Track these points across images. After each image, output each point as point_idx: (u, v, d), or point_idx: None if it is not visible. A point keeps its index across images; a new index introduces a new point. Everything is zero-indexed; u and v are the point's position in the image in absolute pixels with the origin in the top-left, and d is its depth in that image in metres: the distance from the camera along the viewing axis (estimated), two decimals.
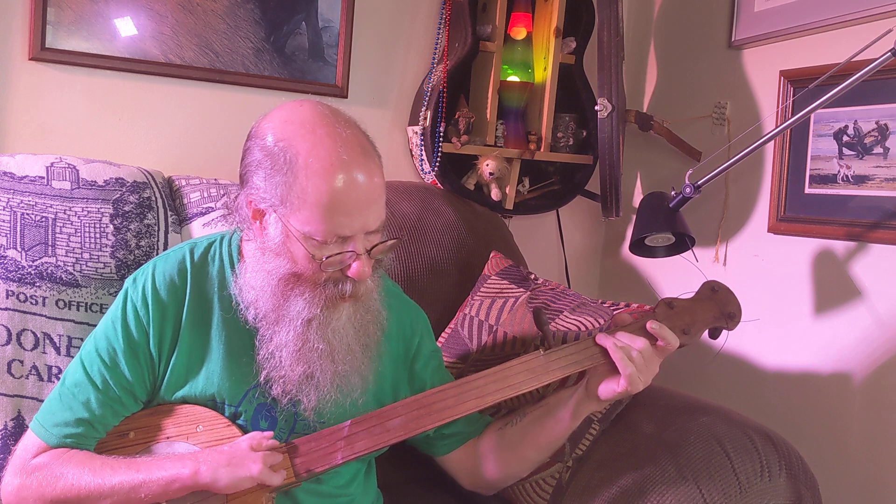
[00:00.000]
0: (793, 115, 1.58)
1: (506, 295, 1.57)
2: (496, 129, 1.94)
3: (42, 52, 1.61)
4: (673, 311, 1.19)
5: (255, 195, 1.04)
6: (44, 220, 1.36)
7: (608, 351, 1.12)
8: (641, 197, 1.88)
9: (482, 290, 1.63)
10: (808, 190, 1.67)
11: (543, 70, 1.95)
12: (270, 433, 1.07)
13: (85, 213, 1.39)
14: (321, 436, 1.09)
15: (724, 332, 1.22)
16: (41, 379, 1.31)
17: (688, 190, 1.59)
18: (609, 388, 1.12)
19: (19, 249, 1.33)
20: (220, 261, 1.15)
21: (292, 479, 1.07)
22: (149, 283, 1.12)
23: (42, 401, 1.27)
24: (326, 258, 1.02)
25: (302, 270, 1.04)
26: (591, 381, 1.16)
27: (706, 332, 1.23)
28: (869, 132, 1.55)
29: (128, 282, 1.14)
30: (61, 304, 1.34)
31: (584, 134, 2.03)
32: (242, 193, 1.07)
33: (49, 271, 1.34)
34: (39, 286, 1.33)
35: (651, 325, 1.14)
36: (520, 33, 1.93)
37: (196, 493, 1.04)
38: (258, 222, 1.06)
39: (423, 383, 1.26)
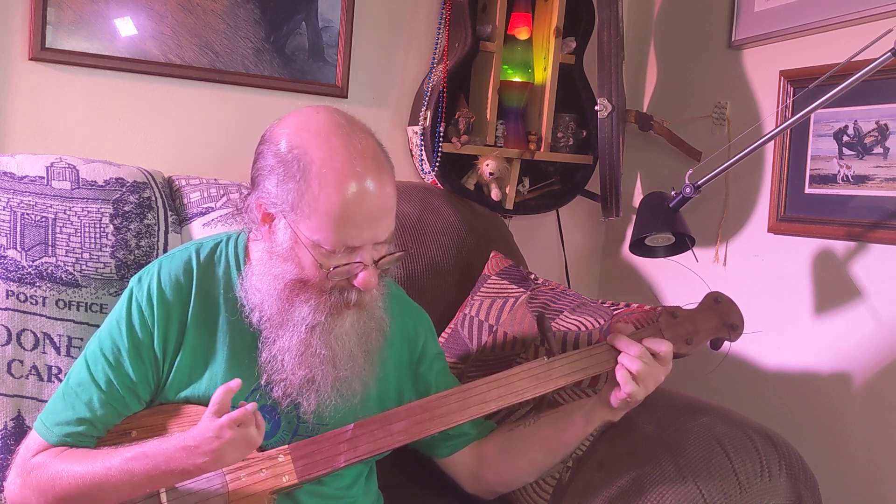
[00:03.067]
0: (793, 115, 1.58)
1: (506, 295, 1.57)
2: (496, 129, 1.94)
3: (42, 52, 1.61)
4: (676, 321, 1.20)
5: (266, 199, 1.04)
6: (44, 220, 1.36)
7: (616, 365, 1.14)
8: (641, 197, 1.88)
9: (482, 290, 1.63)
10: (808, 190, 1.67)
11: (543, 70, 1.95)
12: (253, 405, 1.02)
13: (85, 213, 1.39)
14: (324, 438, 1.09)
15: (727, 342, 1.23)
16: (41, 379, 1.31)
17: (688, 190, 1.59)
18: (615, 396, 1.15)
19: (19, 249, 1.33)
20: (227, 262, 1.15)
21: (294, 481, 1.07)
22: (154, 282, 1.12)
23: (42, 401, 1.27)
24: (334, 268, 1.02)
25: (308, 277, 1.04)
26: (605, 388, 1.18)
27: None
28: (869, 132, 1.55)
29: (133, 281, 1.14)
30: (61, 304, 1.34)
31: (584, 134, 2.03)
32: (252, 196, 1.07)
33: (49, 271, 1.34)
34: (39, 286, 1.33)
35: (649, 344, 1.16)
36: (522, 33, 1.93)
37: (198, 493, 1.04)
38: (267, 226, 1.06)
39: (427, 385, 1.27)
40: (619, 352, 1.15)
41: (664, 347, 1.14)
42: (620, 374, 1.13)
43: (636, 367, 1.12)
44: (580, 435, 1.20)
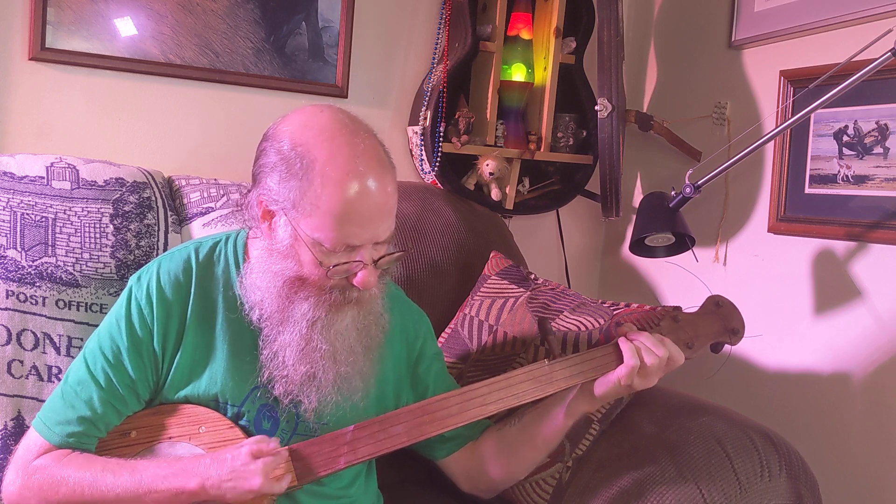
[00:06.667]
0: (793, 115, 1.58)
1: (506, 295, 1.57)
2: (496, 129, 1.94)
3: (42, 52, 1.61)
4: (678, 325, 1.20)
5: (267, 196, 1.04)
6: (44, 220, 1.36)
7: (619, 342, 1.13)
8: (641, 197, 1.88)
9: (482, 290, 1.63)
10: (808, 190, 1.67)
11: (543, 70, 1.95)
12: (276, 440, 1.07)
13: (85, 213, 1.39)
14: (324, 440, 1.09)
15: (727, 346, 1.23)
16: (41, 379, 1.31)
17: (688, 190, 1.59)
18: (604, 381, 1.13)
19: (19, 249, 1.33)
20: (226, 261, 1.16)
21: (294, 483, 1.06)
22: (153, 281, 1.12)
23: (42, 401, 1.26)
24: (333, 266, 1.02)
25: (308, 275, 1.04)
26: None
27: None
28: (869, 132, 1.55)
29: (132, 280, 1.15)
30: (61, 304, 1.34)
31: (584, 134, 2.03)
32: (253, 193, 1.07)
33: (49, 271, 1.34)
34: (39, 286, 1.33)
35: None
36: (523, 34, 1.93)
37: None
38: (267, 223, 1.07)
39: (426, 387, 1.27)
40: (621, 353, 1.14)
41: (681, 360, 1.15)
42: (627, 346, 1.12)
43: (650, 360, 1.11)
44: (562, 428, 1.20)
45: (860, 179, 1.57)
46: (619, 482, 1.25)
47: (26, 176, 1.38)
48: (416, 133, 1.89)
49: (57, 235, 1.36)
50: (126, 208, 1.43)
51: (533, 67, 1.97)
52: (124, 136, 1.72)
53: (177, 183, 1.57)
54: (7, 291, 1.31)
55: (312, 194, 1.00)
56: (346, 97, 1.90)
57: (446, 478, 1.32)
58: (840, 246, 1.61)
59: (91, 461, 1.06)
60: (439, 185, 1.89)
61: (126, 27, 1.67)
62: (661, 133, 1.96)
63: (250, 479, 1.00)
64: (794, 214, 1.70)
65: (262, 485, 1.01)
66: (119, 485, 1.02)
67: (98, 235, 1.39)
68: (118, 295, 1.16)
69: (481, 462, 1.26)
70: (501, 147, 1.94)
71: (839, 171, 1.60)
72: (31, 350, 1.31)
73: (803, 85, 1.60)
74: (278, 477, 1.03)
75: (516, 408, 1.27)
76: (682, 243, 1.72)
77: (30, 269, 1.33)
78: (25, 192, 1.36)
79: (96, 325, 1.15)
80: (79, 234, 1.38)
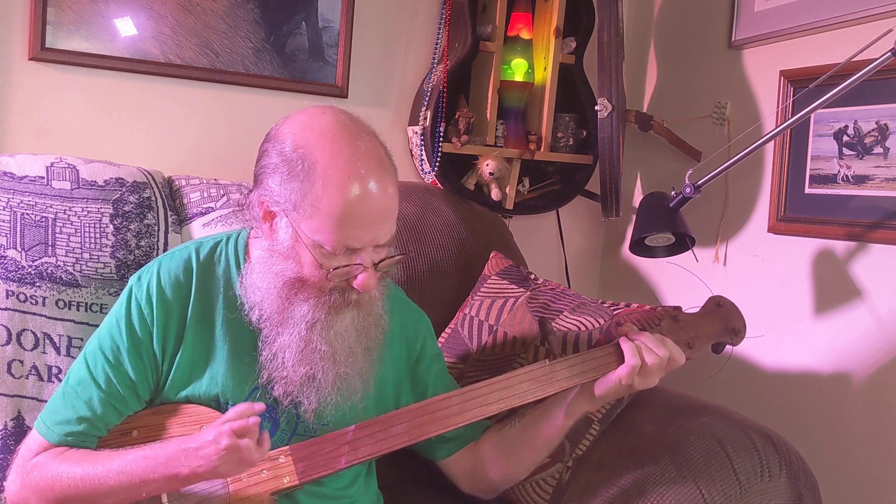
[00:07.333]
0: (793, 115, 1.58)
1: (506, 295, 1.57)
2: (496, 129, 1.94)
3: (42, 52, 1.61)
4: (678, 325, 1.20)
5: (269, 197, 1.04)
6: (44, 220, 1.36)
7: (620, 342, 1.13)
8: (641, 197, 1.88)
9: (482, 290, 1.63)
10: (808, 190, 1.67)
11: (543, 70, 1.95)
12: (258, 420, 1.02)
13: (85, 213, 1.39)
14: (325, 440, 1.10)
15: (728, 346, 1.23)
16: (41, 379, 1.31)
17: (688, 190, 1.59)
18: (605, 381, 1.13)
19: (19, 249, 1.33)
20: (226, 261, 1.16)
21: (295, 482, 1.07)
22: (154, 281, 1.12)
23: (42, 401, 1.27)
24: (334, 269, 1.02)
25: (308, 276, 1.05)
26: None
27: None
28: (869, 132, 1.55)
29: (132, 280, 1.15)
30: (61, 304, 1.34)
31: (584, 134, 2.04)
32: (255, 193, 1.08)
33: (49, 271, 1.34)
34: (39, 286, 1.33)
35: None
36: (525, 33, 1.93)
37: (198, 493, 1.04)
38: (268, 224, 1.07)
39: (425, 387, 1.27)
40: (622, 353, 1.14)
41: (682, 360, 1.15)
42: (627, 346, 1.12)
43: (651, 359, 1.11)
44: (562, 428, 1.20)
45: (860, 179, 1.57)
46: (619, 482, 1.25)
47: (26, 176, 1.38)
48: (416, 133, 1.89)
49: (57, 235, 1.36)
50: (126, 208, 1.43)
51: (533, 67, 1.97)
52: (124, 136, 1.72)
53: (177, 183, 1.57)
54: (7, 291, 1.31)
55: (313, 196, 1.00)
56: (346, 97, 1.90)
57: (446, 478, 1.32)
58: (840, 246, 1.61)
59: (84, 456, 1.06)
60: (439, 185, 1.89)
61: (126, 27, 1.67)
62: (661, 133, 1.97)
63: (250, 458, 0.99)
64: (794, 214, 1.70)
65: (256, 459, 0.99)
66: (111, 477, 1.02)
67: (98, 235, 1.39)
68: (118, 295, 1.16)
69: (481, 462, 1.26)
70: (501, 147, 1.94)
71: (839, 171, 1.61)
72: (31, 350, 1.31)
73: (803, 85, 1.60)
74: (278, 472, 1.04)
75: (517, 408, 1.28)
76: (682, 243, 1.72)
77: (30, 269, 1.33)
78: (25, 192, 1.36)
79: (96, 325, 1.15)
80: (79, 234, 1.38)
